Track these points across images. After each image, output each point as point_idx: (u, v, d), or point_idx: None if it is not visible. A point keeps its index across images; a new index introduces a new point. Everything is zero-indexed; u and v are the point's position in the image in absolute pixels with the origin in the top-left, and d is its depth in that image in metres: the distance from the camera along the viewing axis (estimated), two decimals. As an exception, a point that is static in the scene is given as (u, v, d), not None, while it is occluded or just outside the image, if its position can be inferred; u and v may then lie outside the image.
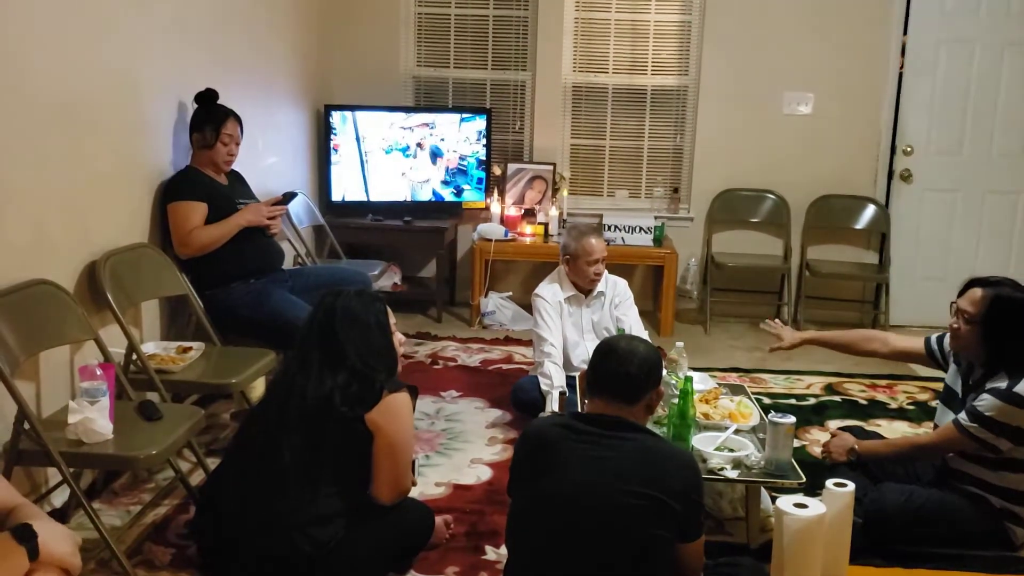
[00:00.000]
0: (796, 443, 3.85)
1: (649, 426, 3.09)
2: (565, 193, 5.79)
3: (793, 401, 4.39)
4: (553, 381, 3.80)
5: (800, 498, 2.70)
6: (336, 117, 5.53)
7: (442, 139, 5.67)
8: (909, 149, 5.70)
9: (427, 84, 5.96)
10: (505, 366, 4.78)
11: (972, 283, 3.02)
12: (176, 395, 3.48)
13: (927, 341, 3.35)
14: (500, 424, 4.00)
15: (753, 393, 4.19)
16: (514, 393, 4.04)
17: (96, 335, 3.01)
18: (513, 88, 5.94)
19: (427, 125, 5.64)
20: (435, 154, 5.68)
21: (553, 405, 3.66)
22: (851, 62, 5.63)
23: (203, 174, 3.79)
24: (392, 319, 2.83)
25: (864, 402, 4.42)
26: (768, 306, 5.91)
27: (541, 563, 2.26)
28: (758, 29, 5.66)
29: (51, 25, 3.01)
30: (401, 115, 5.63)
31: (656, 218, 5.70)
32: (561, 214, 5.72)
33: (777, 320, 3.79)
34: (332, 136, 5.53)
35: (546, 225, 5.67)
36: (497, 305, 5.52)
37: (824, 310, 5.78)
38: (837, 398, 4.47)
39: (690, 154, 5.91)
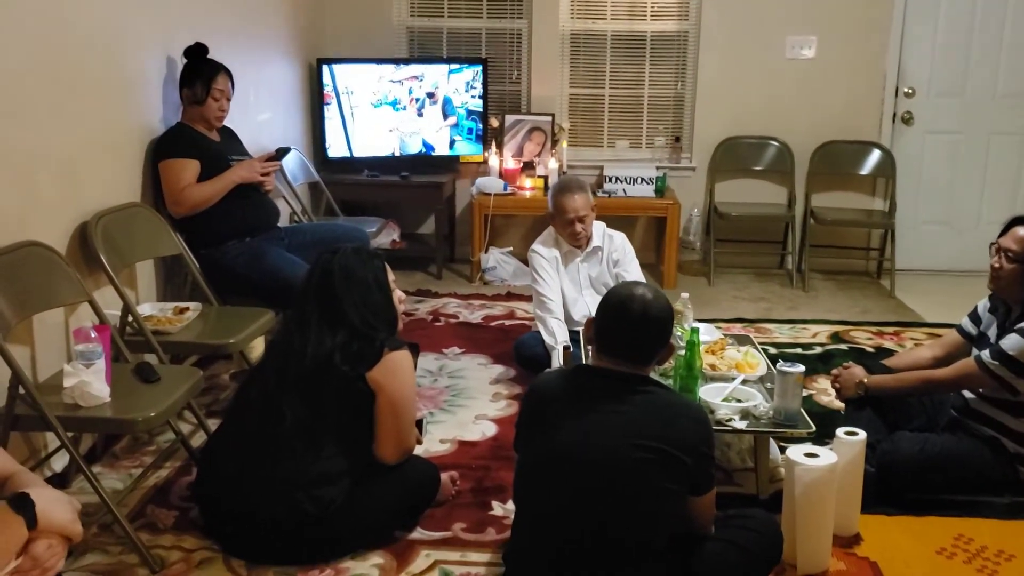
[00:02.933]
0: (804, 392, 3.82)
1: (655, 377, 3.06)
2: (565, 145, 5.70)
3: (799, 350, 4.34)
4: (556, 337, 3.74)
5: (810, 447, 2.65)
6: (328, 71, 5.41)
7: (433, 89, 5.55)
8: (910, 91, 5.60)
9: (421, 35, 5.84)
10: (508, 322, 4.72)
11: (1015, 221, 2.94)
12: (175, 356, 3.43)
13: (957, 327, 3.23)
14: (504, 380, 3.96)
15: (759, 343, 4.14)
16: (517, 349, 3.99)
17: (90, 297, 2.94)
18: (509, 37, 5.82)
19: (416, 78, 5.52)
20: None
21: (558, 360, 3.61)
22: (854, 2, 5.50)
23: (194, 131, 3.70)
24: (391, 276, 2.77)
25: (871, 350, 4.36)
26: (772, 255, 5.85)
27: (551, 519, 2.21)
28: (759, -29, 5.54)
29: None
30: (391, 67, 5.51)
31: (658, 168, 5.61)
32: (561, 166, 5.63)
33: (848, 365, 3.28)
34: (324, 90, 5.42)
35: (546, 178, 5.58)
36: (498, 260, 5.45)
37: (829, 258, 5.72)
38: (844, 346, 4.41)
39: (691, 102, 5.80)
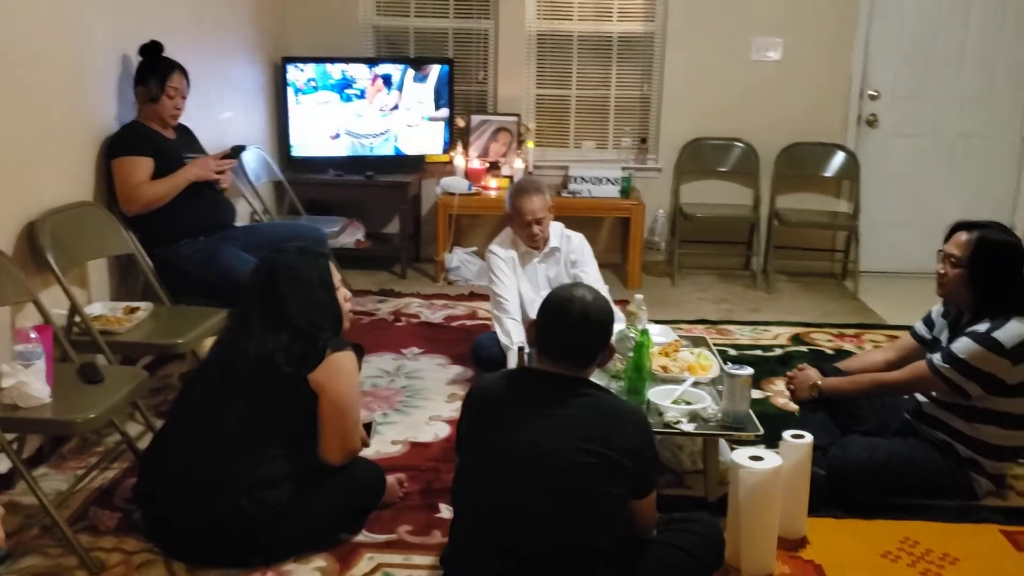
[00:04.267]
0: (760, 394, 3.83)
1: (605, 379, 3.06)
2: (531, 145, 5.69)
3: (760, 352, 4.35)
4: (512, 337, 3.72)
5: (756, 450, 2.65)
6: (293, 70, 5.39)
7: (398, 91, 5.54)
8: (875, 94, 5.62)
9: (387, 33, 5.81)
10: (469, 322, 4.71)
11: (957, 227, 2.96)
12: (127, 358, 3.41)
13: (911, 330, 3.24)
14: (461, 380, 3.94)
15: (719, 345, 4.17)
16: (474, 350, 3.97)
17: (35, 296, 2.91)
18: (476, 37, 5.80)
19: (382, 77, 5.50)
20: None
21: (514, 361, 3.59)
22: (820, 5, 5.52)
23: (148, 128, 3.67)
24: (337, 276, 2.75)
25: (831, 352, 4.37)
26: (737, 256, 5.86)
27: (494, 521, 2.20)
28: (725, -27, 5.54)
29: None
30: (358, 66, 5.49)
31: (623, 169, 5.60)
32: (527, 166, 5.62)
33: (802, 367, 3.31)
34: (288, 89, 5.39)
35: (511, 178, 5.54)
36: (462, 260, 5.43)
37: (794, 260, 5.73)
38: (804, 348, 4.43)
39: (657, 103, 5.81)
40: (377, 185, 5.40)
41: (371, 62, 5.55)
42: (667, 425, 2.86)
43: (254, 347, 2.57)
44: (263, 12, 5.29)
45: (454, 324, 4.67)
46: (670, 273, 5.64)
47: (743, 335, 4.62)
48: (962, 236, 2.91)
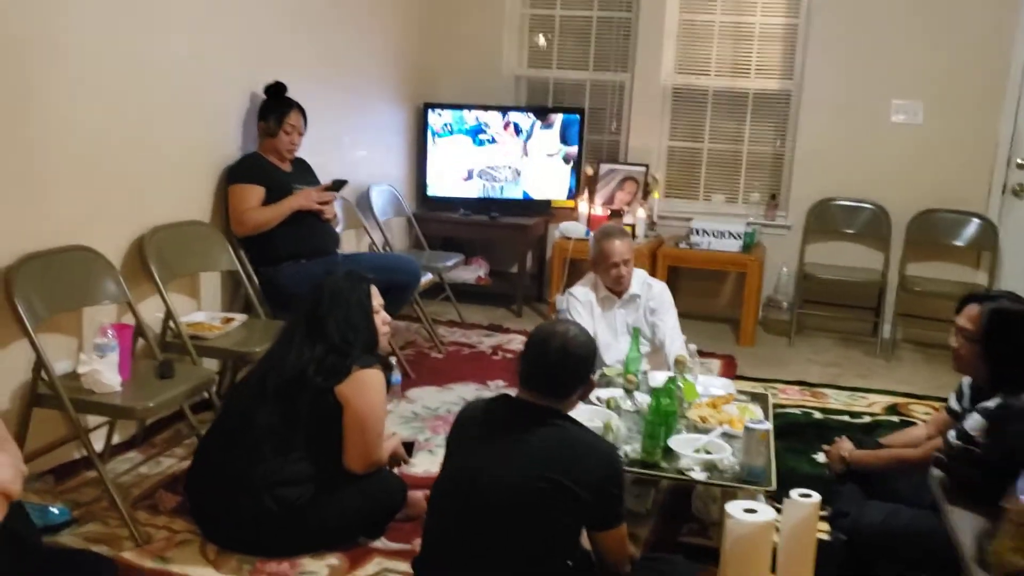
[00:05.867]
0: (822, 459, 3.75)
1: (631, 415, 3.14)
2: (656, 195, 5.78)
3: (847, 418, 4.24)
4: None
5: (753, 503, 2.65)
6: (432, 114, 5.76)
7: (524, 137, 5.80)
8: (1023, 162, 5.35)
9: (529, 85, 6.10)
10: (564, 362, 4.83)
11: (969, 299, 2.86)
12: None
13: (945, 406, 3.12)
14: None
15: (808, 408, 4.17)
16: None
17: (128, 299, 3.32)
18: (612, 88, 5.98)
19: (513, 124, 5.78)
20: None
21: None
22: (965, 68, 5.33)
23: (265, 160, 4.08)
24: (377, 300, 2.99)
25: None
26: (863, 321, 5.68)
27: (452, 538, 2.34)
28: (866, 33, 5.46)
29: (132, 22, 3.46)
30: (493, 113, 5.79)
31: (748, 224, 5.59)
32: (650, 216, 5.72)
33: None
34: (429, 133, 5.77)
35: (633, 227, 5.66)
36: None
37: (924, 330, 5.49)
38: (896, 418, 4.27)
39: (790, 161, 5.77)
40: (499, 225, 5.66)
41: (505, 110, 5.84)
42: (680, 472, 2.90)
43: (292, 358, 2.85)
44: (410, 62, 5.72)
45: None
46: (791, 332, 5.55)
47: (837, 400, 4.50)
48: (974, 309, 2.80)
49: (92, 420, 3.29)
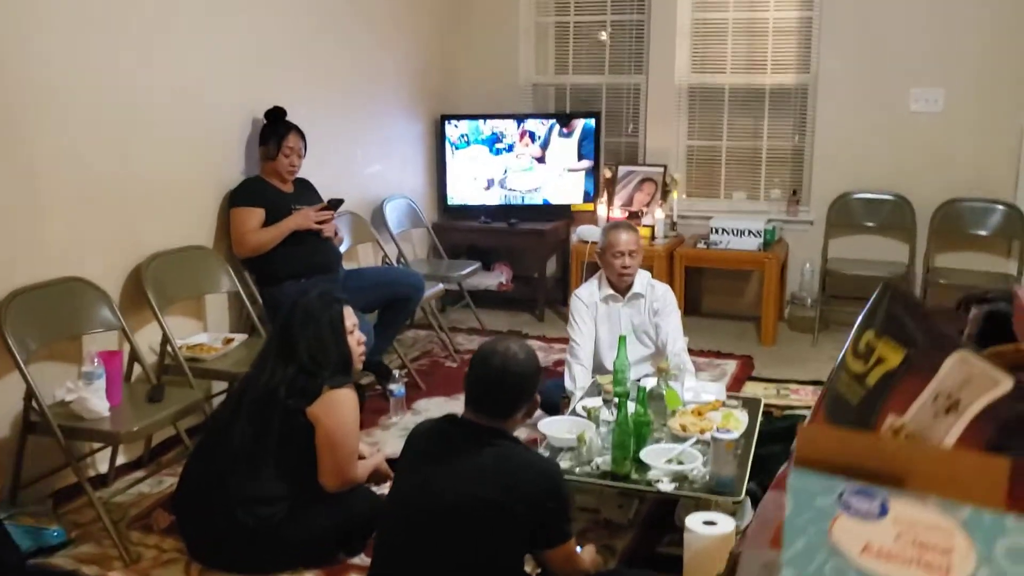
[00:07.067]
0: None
1: (605, 420, 3.16)
2: (675, 195, 5.75)
3: (857, 418, 4.15)
4: (576, 383, 3.87)
5: (713, 515, 2.65)
6: (448, 126, 5.83)
7: (540, 144, 5.82)
8: (1050, 147, 5.17)
9: (545, 91, 6.12)
10: (576, 368, 4.85)
11: (966, 300, 2.79)
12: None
13: None
14: (528, 425, 4.10)
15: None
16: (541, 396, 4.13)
17: (123, 326, 3.45)
18: (627, 91, 5.97)
19: (529, 133, 5.81)
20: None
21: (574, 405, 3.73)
22: (987, 53, 5.18)
23: (266, 182, 4.19)
24: (351, 320, 3.06)
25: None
26: (892, 316, 5.55)
27: (395, 556, 2.40)
28: (882, 22, 5.34)
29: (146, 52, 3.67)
30: (509, 122, 5.83)
31: (769, 221, 5.52)
32: (669, 216, 5.69)
33: None
34: (446, 144, 5.83)
35: (652, 228, 5.65)
36: (589, 306, 5.58)
37: (953, 322, 5.34)
38: (908, 417, 4.17)
39: (810, 155, 5.67)
40: (518, 232, 5.70)
41: (520, 118, 5.87)
42: (648, 483, 2.91)
43: (264, 378, 2.94)
44: (426, 75, 5.80)
45: (559, 368, 4.83)
46: (815, 329, 5.46)
47: (851, 399, 4.42)
48: (971, 311, 2.73)
49: (94, 442, 3.44)
